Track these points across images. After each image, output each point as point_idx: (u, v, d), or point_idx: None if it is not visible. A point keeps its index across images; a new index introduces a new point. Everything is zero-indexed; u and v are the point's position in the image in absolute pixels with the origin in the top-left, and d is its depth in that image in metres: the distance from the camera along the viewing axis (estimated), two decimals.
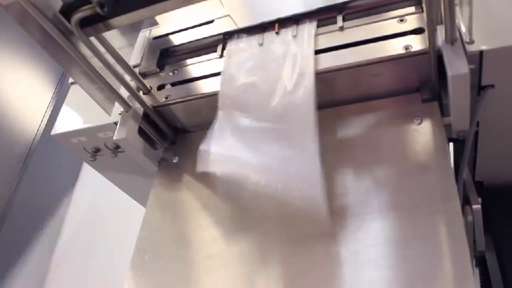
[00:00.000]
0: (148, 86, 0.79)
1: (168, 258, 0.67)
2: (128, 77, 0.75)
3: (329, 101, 0.73)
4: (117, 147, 0.85)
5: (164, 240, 0.69)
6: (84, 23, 0.63)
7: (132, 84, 0.76)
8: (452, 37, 0.59)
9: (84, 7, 0.61)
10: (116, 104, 0.77)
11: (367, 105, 0.71)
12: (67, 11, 0.62)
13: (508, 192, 0.82)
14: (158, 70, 0.82)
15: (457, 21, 0.59)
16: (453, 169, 0.62)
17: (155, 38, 0.88)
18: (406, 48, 0.65)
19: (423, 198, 0.59)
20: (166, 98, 0.77)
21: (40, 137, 1.78)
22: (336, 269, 0.57)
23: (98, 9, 0.60)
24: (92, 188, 1.89)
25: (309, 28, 0.73)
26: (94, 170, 0.94)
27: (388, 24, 0.69)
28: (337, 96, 0.73)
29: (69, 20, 0.62)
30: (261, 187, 0.64)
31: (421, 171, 0.61)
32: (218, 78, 0.74)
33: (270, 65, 0.71)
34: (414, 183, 0.61)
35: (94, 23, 0.63)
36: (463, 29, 0.62)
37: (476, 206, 0.69)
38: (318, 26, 0.74)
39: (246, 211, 0.67)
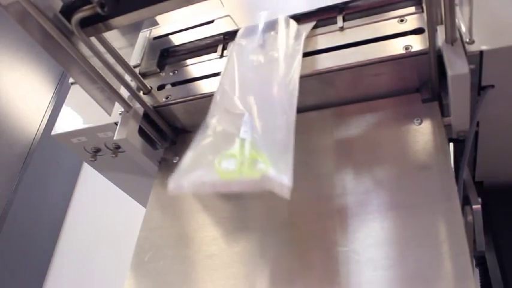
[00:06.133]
0: (148, 86, 0.79)
1: (168, 258, 0.67)
2: (128, 77, 0.75)
3: (329, 101, 0.73)
4: (118, 147, 0.85)
5: (164, 240, 0.69)
6: (84, 23, 0.63)
7: (133, 84, 0.76)
8: (452, 37, 0.59)
9: (85, 7, 0.60)
10: (116, 104, 0.77)
11: (367, 105, 0.71)
12: (67, 11, 0.62)
13: (508, 192, 0.82)
14: (158, 70, 0.82)
15: (457, 21, 0.59)
16: (453, 169, 0.62)
17: (155, 38, 0.88)
18: (406, 48, 0.65)
19: (423, 198, 0.59)
20: (167, 98, 0.77)
21: (40, 137, 1.78)
22: (336, 268, 0.57)
23: (98, 10, 0.60)
24: (92, 188, 1.89)
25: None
26: (94, 170, 0.94)
27: (388, 24, 0.69)
28: (337, 96, 0.73)
29: (69, 20, 0.62)
30: None
31: (421, 171, 0.61)
32: (218, 78, 0.74)
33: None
34: (414, 183, 0.61)
35: (94, 23, 0.63)
36: (463, 29, 0.62)
37: (476, 206, 0.69)
38: (318, 26, 0.74)
39: (246, 211, 0.67)
